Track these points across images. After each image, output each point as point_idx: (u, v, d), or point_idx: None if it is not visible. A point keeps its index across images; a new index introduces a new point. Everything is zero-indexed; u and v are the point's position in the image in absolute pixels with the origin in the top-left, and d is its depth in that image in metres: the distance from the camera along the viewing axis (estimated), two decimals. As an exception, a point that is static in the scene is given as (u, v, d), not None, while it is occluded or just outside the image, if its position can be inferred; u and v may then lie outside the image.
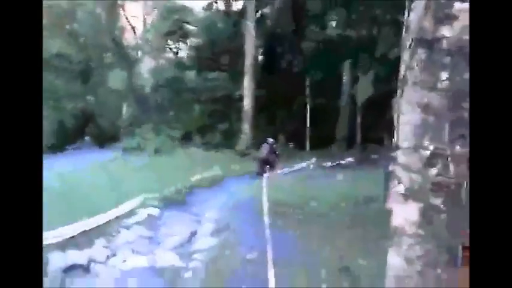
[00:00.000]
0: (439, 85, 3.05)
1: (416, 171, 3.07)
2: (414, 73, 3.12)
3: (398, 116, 3.27)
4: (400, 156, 3.20)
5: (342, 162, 18.76)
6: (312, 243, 6.98)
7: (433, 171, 3.14)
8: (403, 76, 3.07)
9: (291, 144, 21.16)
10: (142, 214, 9.41)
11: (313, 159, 16.99)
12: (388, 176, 7.99)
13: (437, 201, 3.15)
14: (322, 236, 7.54)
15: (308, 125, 20.45)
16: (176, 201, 10.94)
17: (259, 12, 22.43)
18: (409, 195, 3.16)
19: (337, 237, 7.39)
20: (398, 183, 3.32)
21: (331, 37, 10.27)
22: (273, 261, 5.87)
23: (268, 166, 16.11)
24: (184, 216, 9.79)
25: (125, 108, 30.16)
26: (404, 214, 3.18)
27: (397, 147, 3.33)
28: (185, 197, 11.59)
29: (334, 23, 17.73)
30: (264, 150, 16.86)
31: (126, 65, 27.75)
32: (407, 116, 3.08)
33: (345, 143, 21.26)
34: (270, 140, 17.06)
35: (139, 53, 29.55)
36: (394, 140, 3.44)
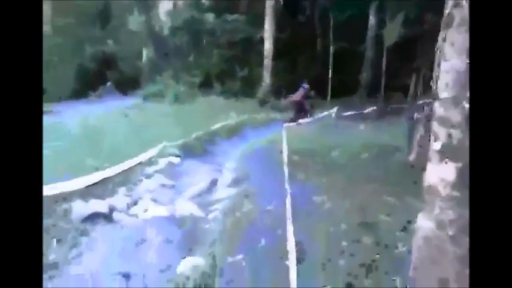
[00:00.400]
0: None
1: (457, 126, 2.77)
2: (463, 11, 2.69)
3: (439, 62, 2.89)
4: (438, 108, 2.88)
5: (365, 112, 18.28)
6: (332, 196, 6.85)
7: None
8: (448, 14, 2.66)
9: (312, 92, 20.61)
10: (163, 162, 9.41)
11: (335, 108, 16.56)
12: (412, 127, 7.65)
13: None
14: (342, 189, 7.41)
15: (330, 72, 19.73)
16: (196, 150, 10.90)
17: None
18: (447, 152, 2.87)
19: (358, 190, 7.24)
20: (435, 139, 3.02)
21: None
22: (292, 213, 5.79)
23: (303, 112, 16.25)
24: (205, 165, 9.76)
25: (144, 53, 29.78)
26: (439, 173, 2.92)
27: (435, 97, 2.98)
28: (205, 145, 11.52)
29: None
30: (299, 94, 16.73)
31: (144, 7, 27.00)
32: (450, 61, 2.71)
33: (368, 91, 20.57)
34: (305, 85, 16.86)
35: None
36: (433, 88, 3.08)
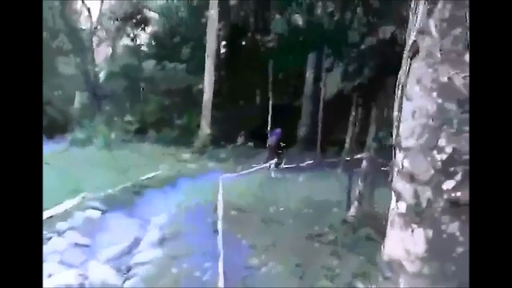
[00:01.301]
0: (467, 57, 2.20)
1: (425, 183, 2.24)
2: (431, 38, 2.25)
3: (400, 102, 2.39)
4: (402, 159, 2.35)
5: (302, 164, 18.18)
6: (270, 257, 6.17)
7: (450, 183, 2.29)
8: (413, 43, 2.21)
9: (251, 143, 20.35)
10: (80, 217, 8.25)
11: (273, 160, 16.25)
12: (350, 182, 7.10)
13: (454, 227, 2.31)
14: (281, 248, 6.77)
15: (269, 124, 19.69)
16: (122, 203, 9.80)
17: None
18: (413, 216, 2.33)
19: (297, 250, 6.66)
20: (398, 199, 2.48)
21: (296, 27, 9.65)
22: (225, 279, 5.01)
23: (275, 156, 17.05)
24: (130, 220, 8.69)
25: (77, 97, 28.33)
26: (404, 244, 2.35)
27: (398, 147, 2.46)
28: (133, 197, 10.45)
29: (298, 15, 17.09)
30: (273, 138, 17.75)
31: (81, 51, 25.96)
32: (415, 101, 2.23)
33: (306, 145, 20.69)
34: (278, 129, 18.00)
35: (95, 39, 27.75)
36: (394, 136, 2.55)
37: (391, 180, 2.49)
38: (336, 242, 7.15)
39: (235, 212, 9.14)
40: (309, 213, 9.24)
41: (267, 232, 7.64)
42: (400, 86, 2.38)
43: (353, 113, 16.54)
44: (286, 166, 17.04)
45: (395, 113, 2.47)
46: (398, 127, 2.40)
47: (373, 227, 7.76)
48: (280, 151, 17.58)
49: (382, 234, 6.45)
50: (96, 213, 8.77)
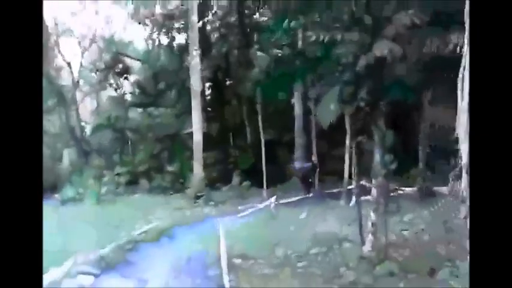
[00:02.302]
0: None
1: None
2: None
3: None
4: None
5: (302, 198, 17.56)
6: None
7: None
8: None
9: (247, 182, 19.67)
10: (70, 285, 7.44)
11: (273, 198, 15.57)
12: (361, 212, 6.27)
13: None
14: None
15: (264, 160, 19.10)
16: (116, 263, 9.00)
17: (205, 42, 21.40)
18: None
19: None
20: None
21: (280, 59, 9.44)
22: None
23: (306, 185, 18.23)
24: (125, 282, 7.88)
25: (65, 154, 27.62)
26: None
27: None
28: (127, 256, 9.64)
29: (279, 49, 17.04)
30: (303, 170, 18.87)
31: (64, 106, 25.52)
32: None
33: (303, 178, 20.05)
34: (307, 163, 19.03)
35: (78, 93, 27.44)
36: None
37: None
38: (356, 283, 6.46)
39: (240, 260, 8.42)
40: (319, 253, 8.54)
41: (278, 281, 6.93)
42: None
43: (348, 141, 16.12)
44: (288, 201, 16.36)
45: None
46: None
47: (395, 260, 7.10)
48: (310, 182, 18.71)
49: (406, 268, 5.69)
50: (89, 279, 7.97)
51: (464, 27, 8.20)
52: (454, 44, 7.93)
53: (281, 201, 16.01)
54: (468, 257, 6.74)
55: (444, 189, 15.01)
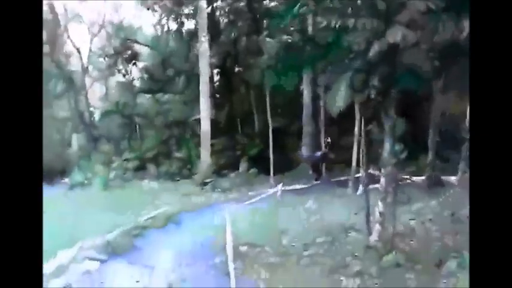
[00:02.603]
0: None
1: None
2: None
3: None
4: None
5: (309, 186, 17.49)
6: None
7: None
8: None
9: (254, 169, 19.63)
10: (76, 271, 7.51)
11: (280, 185, 15.52)
12: (369, 201, 6.18)
13: None
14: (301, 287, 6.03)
15: (271, 148, 19.00)
16: (122, 249, 9.05)
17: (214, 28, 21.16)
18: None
19: (319, 285, 5.92)
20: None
21: (289, 45, 9.26)
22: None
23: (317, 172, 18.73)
24: (131, 268, 7.93)
25: (74, 139, 27.82)
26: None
27: None
28: (134, 241, 9.70)
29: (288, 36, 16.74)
30: (315, 158, 19.18)
31: (73, 92, 25.59)
32: None
33: (311, 166, 19.96)
34: (318, 152, 19.23)
35: (88, 79, 27.46)
36: None
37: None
38: (362, 273, 6.41)
39: (246, 247, 8.41)
40: (325, 242, 8.49)
41: (284, 269, 6.90)
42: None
43: (357, 129, 15.94)
44: (295, 188, 16.31)
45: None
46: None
47: (402, 251, 7.03)
48: (319, 170, 19.21)
49: (413, 258, 5.61)
50: (95, 265, 8.03)
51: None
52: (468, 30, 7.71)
53: (288, 189, 15.99)
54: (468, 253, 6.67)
55: (453, 179, 14.89)
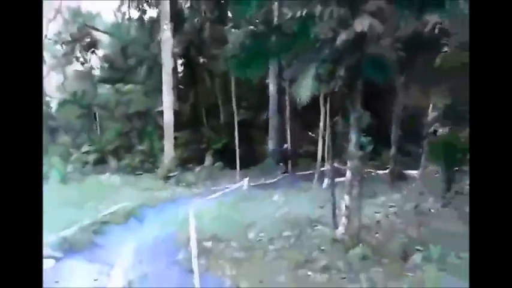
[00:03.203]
0: None
1: None
2: None
3: None
4: None
5: (275, 180, 17.45)
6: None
7: None
8: None
9: (220, 163, 19.37)
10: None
11: (246, 179, 15.34)
12: (334, 195, 6.05)
13: None
14: (267, 282, 5.87)
15: (237, 141, 18.78)
16: (80, 246, 8.55)
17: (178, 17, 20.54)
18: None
19: (285, 281, 5.78)
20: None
21: (254, 34, 9.06)
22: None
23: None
24: (89, 266, 7.49)
25: (28, 131, 26.37)
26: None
27: None
28: (93, 237, 9.20)
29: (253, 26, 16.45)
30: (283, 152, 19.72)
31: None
32: None
33: (276, 159, 19.93)
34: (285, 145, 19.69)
35: (43, 66, 26.09)
36: None
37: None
38: (329, 267, 6.32)
39: (211, 242, 8.16)
40: (292, 235, 8.38)
41: (250, 265, 6.71)
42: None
43: (322, 123, 16.00)
44: (260, 183, 16.18)
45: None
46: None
47: (368, 244, 7.01)
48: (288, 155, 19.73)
49: (379, 251, 5.53)
50: (50, 262, 7.52)
51: (443, 8, 8.11)
52: (433, 24, 7.79)
53: (254, 183, 15.85)
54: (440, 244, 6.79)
55: (415, 173, 15.26)
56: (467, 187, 11.55)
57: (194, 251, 7.19)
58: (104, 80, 23.14)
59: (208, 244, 7.99)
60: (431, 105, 12.05)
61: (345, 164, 8.26)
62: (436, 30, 7.35)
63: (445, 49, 8.63)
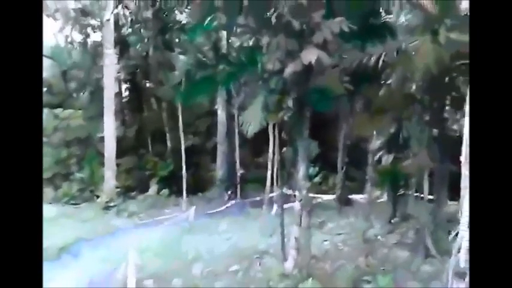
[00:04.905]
0: None
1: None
2: None
3: None
4: None
5: (223, 208, 17.03)
6: None
7: None
8: None
9: (165, 190, 18.62)
10: None
11: (193, 209, 14.79)
12: (283, 223, 5.74)
13: None
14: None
15: (184, 168, 18.16)
16: None
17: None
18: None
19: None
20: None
21: (202, 63, 8.96)
22: None
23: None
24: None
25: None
26: None
27: None
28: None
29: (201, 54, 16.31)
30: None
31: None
32: None
33: (225, 186, 19.54)
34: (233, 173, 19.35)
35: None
36: None
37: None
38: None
39: (152, 280, 7.58)
40: (240, 269, 8.01)
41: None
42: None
43: (271, 149, 15.95)
44: (207, 212, 15.66)
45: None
46: None
47: (318, 277, 6.80)
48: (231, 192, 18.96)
49: (329, 285, 5.28)
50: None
51: (385, 41, 8.40)
52: (377, 56, 8.00)
53: (201, 212, 15.32)
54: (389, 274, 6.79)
55: (360, 198, 15.55)
56: (410, 213, 11.91)
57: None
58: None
59: (149, 283, 7.42)
60: (375, 133, 12.40)
61: (294, 190, 8.14)
62: (380, 62, 7.54)
63: (389, 80, 8.90)
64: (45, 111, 22.26)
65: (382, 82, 9.00)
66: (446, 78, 8.26)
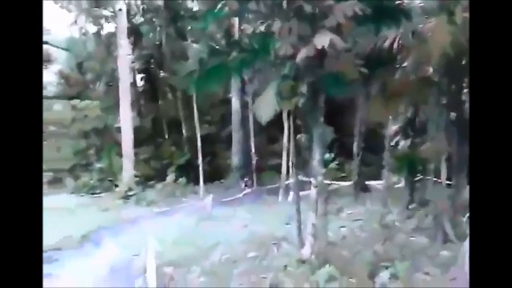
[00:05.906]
0: None
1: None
2: None
3: None
4: None
5: (240, 196, 17.15)
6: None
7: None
8: None
9: (182, 179, 18.82)
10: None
11: (210, 197, 14.95)
12: (299, 210, 5.75)
13: None
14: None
15: (200, 156, 18.33)
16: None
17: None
18: None
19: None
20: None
21: (215, 50, 8.93)
22: None
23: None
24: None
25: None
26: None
27: None
28: (43, 264, 8.48)
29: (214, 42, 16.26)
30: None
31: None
32: None
33: (241, 174, 19.64)
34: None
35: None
36: None
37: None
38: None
39: (171, 268, 7.71)
40: (257, 256, 8.08)
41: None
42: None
43: (286, 137, 15.92)
44: (224, 199, 15.80)
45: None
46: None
47: (335, 263, 6.81)
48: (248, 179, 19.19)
49: (346, 271, 5.27)
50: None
51: (400, 24, 8.21)
52: (391, 39, 7.83)
53: (218, 200, 15.45)
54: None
55: (377, 184, 15.41)
56: (428, 198, 11.78)
57: (153, 279, 6.74)
58: (58, 97, 22.12)
59: (169, 270, 7.55)
60: (390, 118, 12.21)
61: (310, 176, 8.12)
62: (395, 45, 7.38)
63: (405, 63, 8.72)
64: (63, 102, 22.70)
65: (398, 66, 8.81)
66: (464, 60, 8.04)
